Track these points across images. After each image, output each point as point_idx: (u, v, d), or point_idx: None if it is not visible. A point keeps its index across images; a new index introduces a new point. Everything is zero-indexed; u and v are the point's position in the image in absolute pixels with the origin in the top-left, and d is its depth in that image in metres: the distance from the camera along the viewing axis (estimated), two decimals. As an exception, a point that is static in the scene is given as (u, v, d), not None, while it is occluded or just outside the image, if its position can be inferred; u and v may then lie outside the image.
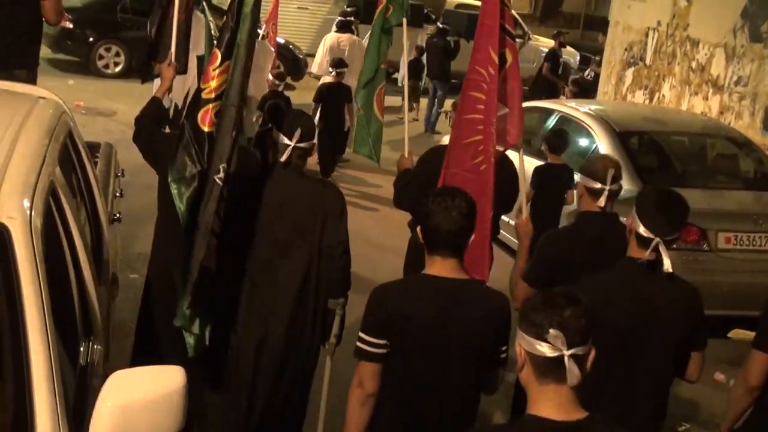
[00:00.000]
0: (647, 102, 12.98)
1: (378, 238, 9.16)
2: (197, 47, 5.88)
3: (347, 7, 16.66)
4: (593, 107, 9.32)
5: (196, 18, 5.85)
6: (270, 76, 10.54)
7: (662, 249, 3.65)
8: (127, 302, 5.90)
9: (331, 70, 11.64)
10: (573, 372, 2.47)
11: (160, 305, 4.78)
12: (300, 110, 4.87)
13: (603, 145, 8.16)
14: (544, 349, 2.47)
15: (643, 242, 3.69)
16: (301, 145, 4.48)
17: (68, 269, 3.28)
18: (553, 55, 16.36)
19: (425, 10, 19.58)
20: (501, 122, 4.75)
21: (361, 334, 3.52)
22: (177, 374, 2.62)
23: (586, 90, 14.98)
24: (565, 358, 2.46)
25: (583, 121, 8.66)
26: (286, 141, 4.46)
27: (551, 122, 9.08)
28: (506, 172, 5.22)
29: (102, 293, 3.73)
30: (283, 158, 4.48)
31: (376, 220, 10.14)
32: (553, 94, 15.02)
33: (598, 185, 4.46)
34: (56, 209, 3.31)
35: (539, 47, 20.23)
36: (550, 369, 2.49)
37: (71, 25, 16.54)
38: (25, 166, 3.15)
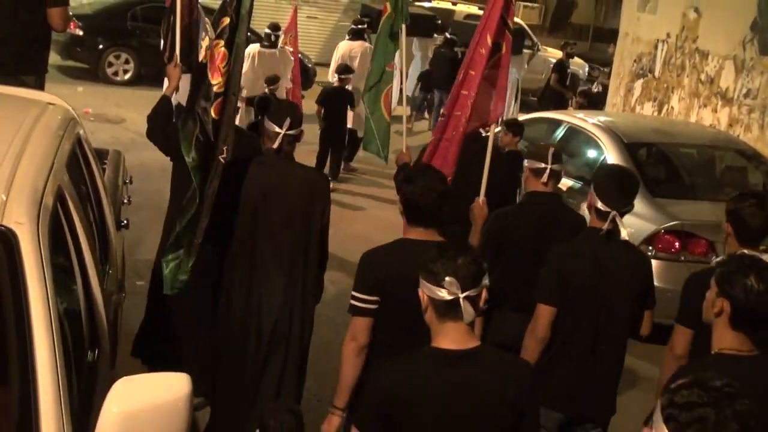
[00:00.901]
0: (656, 114, 12.96)
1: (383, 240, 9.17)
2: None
3: (362, 16, 16.68)
4: (602, 118, 9.31)
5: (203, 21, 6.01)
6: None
7: (618, 220, 4.30)
8: (134, 309, 5.89)
9: (335, 75, 11.80)
10: (468, 311, 2.94)
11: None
12: (287, 100, 5.10)
13: (611, 156, 8.14)
14: (443, 294, 2.94)
15: (602, 215, 4.34)
16: (291, 132, 4.81)
17: (75, 275, 3.28)
18: (561, 66, 16.35)
19: (437, 21, 19.55)
20: (485, 102, 5.33)
21: (354, 293, 3.92)
22: (182, 381, 2.62)
23: (594, 102, 14.97)
24: (461, 300, 2.92)
25: (591, 132, 8.65)
26: (277, 129, 4.78)
27: (559, 133, 9.08)
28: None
29: (109, 299, 3.72)
30: (275, 145, 4.79)
31: (380, 222, 10.15)
32: (561, 104, 14.99)
33: (542, 165, 5.02)
34: (64, 215, 3.31)
35: (548, 58, 20.24)
36: (448, 310, 2.95)
37: (81, 33, 16.59)
38: (34, 172, 3.15)
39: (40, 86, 5.89)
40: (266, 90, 10.55)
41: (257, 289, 4.84)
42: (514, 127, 8.19)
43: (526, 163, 5.17)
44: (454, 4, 22.78)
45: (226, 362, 4.97)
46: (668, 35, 12.91)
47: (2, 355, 2.57)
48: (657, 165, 8.77)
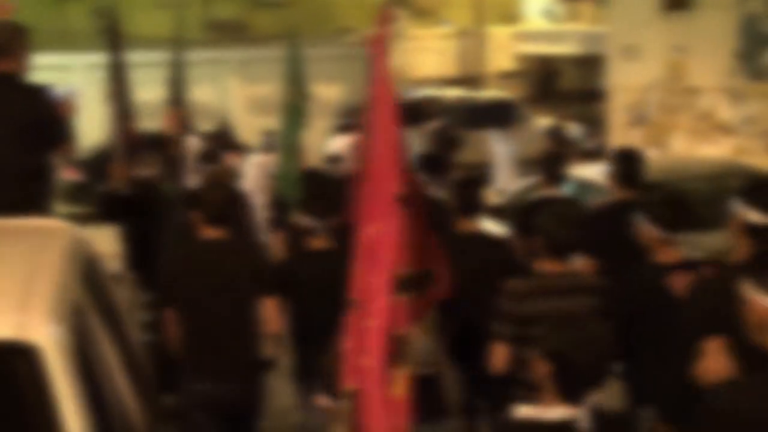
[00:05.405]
0: (659, 158, 12.96)
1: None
2: None
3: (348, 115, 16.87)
4: (604, 167, 9.23)
5: None
6: None
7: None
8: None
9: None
10: None
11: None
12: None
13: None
14: None
15: None
16: None
17: (104, 386, 3.19)
18: (555, 130, 16.46)
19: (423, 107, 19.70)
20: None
21: None
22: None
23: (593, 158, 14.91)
24: None
25: (599, 182, 8.59)
26: None
27: (567, 189, 9.01)
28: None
29: (143, 412, 3.62)
30: None
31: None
32: (559, 166, 14.92)
33: None
34: (84, 328, 3.24)
35: (540, 126, 20.37)
36: None
37: (82, 178, 16.73)
38: (49, 285, 3.11)
39: (47, 220, 5.91)
40: None
41: None
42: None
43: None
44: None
45: None
46: (656, 78, 12.98)
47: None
48: (670, 203, 8.65)
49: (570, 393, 2.96)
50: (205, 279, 4.96)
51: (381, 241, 3.29)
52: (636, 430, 4.77)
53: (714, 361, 3.56)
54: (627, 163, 6.40)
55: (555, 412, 2.92)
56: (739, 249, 3.99)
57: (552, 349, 3.01)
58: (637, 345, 4.63)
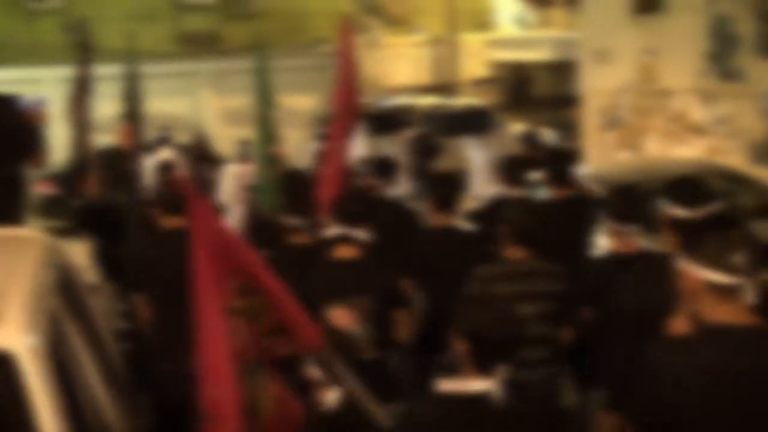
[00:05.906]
0: (633, 160, 13.03)
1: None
2: None
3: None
4: (581, 171, 9.30)
5: None
6: None
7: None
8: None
9: None
10: None
11: None
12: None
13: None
14: None
15: None
16: None
17: (80, 393, 3.17)
18: (528, 135, 16.47)
19: (399, 116, 19.77)
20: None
21: None
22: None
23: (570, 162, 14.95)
24: None
25: (575, 184, 8.62)
26: None
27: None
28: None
29: (120, 410, 3.61)
30: None
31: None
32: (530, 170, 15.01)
33: None
34: (60, 335, 3.22)
35: (514, 132, 20.43)
36: None
37: (54, 191, 16.62)
38: (24, 293, 3.10)
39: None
40: None
41: None
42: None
43: None
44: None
45: None
46: (628, 82, 13.06)
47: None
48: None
49: (485, 367, 3.18)
50: (168, 266, 5.02)
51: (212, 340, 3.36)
52: (584, 418, 4.95)
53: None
54: (557, 164, 6.69)
55: (474, 384, 3.15)
56: (668, 243, 4.29)
57: (467, 328, 3.23)
58: (587, 333, 4.77)
